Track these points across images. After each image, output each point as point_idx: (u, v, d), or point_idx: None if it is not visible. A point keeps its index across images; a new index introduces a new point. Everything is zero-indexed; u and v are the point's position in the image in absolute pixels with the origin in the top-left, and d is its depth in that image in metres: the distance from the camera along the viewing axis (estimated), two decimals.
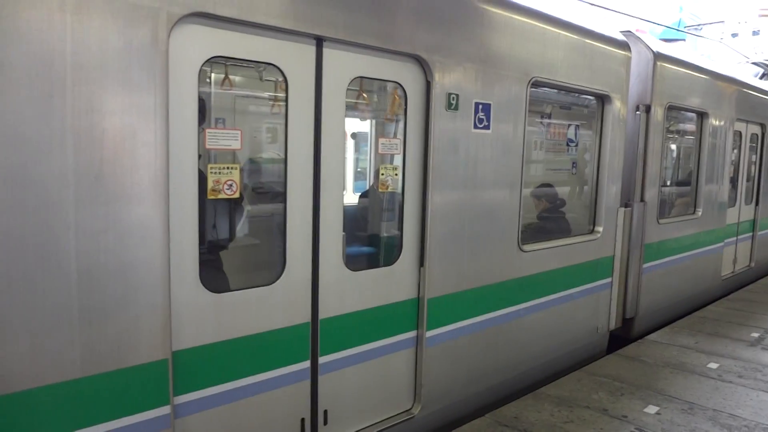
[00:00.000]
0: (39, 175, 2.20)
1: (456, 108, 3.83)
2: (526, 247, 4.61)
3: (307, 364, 3.27)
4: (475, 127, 4.00)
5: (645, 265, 6.29)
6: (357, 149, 5.39)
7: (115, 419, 2.49)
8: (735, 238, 8.70)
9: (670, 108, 6.49)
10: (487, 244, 4.25)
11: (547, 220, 5.41)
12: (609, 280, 5.71)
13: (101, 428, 2.46)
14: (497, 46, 4.09)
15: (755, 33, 47.72)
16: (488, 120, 4.09)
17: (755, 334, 6.18)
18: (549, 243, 4.92)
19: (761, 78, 12.70)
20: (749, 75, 10.45)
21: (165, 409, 2.63)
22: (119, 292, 2.45)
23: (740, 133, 8.39)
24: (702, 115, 7.21)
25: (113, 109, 2.35)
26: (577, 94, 5.33)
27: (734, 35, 46.09)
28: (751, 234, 9.28)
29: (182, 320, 2.73)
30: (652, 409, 4.31)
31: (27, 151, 2.17)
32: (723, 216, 8.05)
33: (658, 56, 6.16)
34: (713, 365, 5.24)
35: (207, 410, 2.87)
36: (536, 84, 4.52)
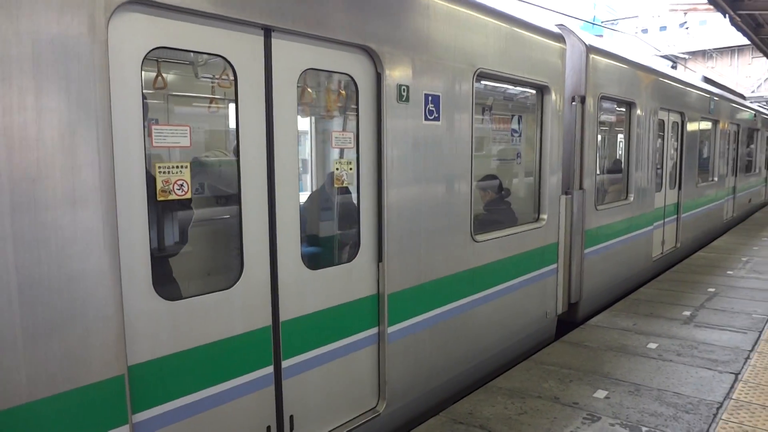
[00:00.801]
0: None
1: (407, 100, 3.78)
2: (479, 237, 4.61)
3: (270, 369, 3.14)
4: (426, 119, 3.97)
5: (586, 251, 6.49)
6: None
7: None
8: (662, 221, 9.11)
9: (602, 98, 6.68)
10: (442, 236, 4.22)
11: (494, 211, 5.44)
12: (555, 266, 5.85)
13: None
14: (444, 37, 4.08)
15: (662, 29, 50.59)
16: (438, 111, 4.07)
17: (687, 313, 6.42)
18: (499, 232, 4.95)
19: (672, 68, 13.86)
20: (663, 65, 11.18)
21: (124, 429, 2.44)
22: (66, 305, 2.23)
23: (663, 121, 8.77)
24: (630, 105, 7.49)
25: (49, 105, 2.14)
26: (517, 86, 5.38)
27: (644, 31, 48.66)
28: (675, 216, 9.74)
29: (136, 332, 2.53)
30: (601, 394, 4.35)
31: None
32: (651, 200, 8.40)
33: (591, 49, 6.33)
34: (653, 345, 5.38)
35: (168, 426, 2.69)
36: (481, 75, 4.54)
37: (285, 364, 3.22)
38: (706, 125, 11.14)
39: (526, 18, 5.16)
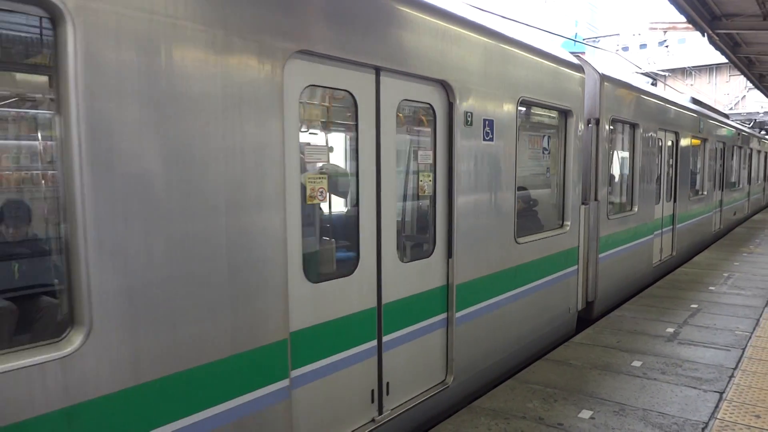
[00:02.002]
0: (203, 186, 2.65)
1: (471, 124, 4.53)
2: (520, 240, 5.36)
3: (374, 343, 3.85)
4: (484, 139, 4.73)
5: (600, 255, 7.26)
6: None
7: (250, 392, 2.93)
8: (660, 231, 9.92)
9: (613, 121, 7.52)
10: (494, 238, 4.98)
11: (523, 219, 5.90)
12: (576, 267, 6.62)
13: (240, 400, 2.88)
14: (497, 72, 4.88)
15: (643, 47, 51.50)
16: (492, 133, 4.83)
17: (670, 329, 6.40)
18: (535, 236, 5.72)
19: (652, 85, 14.32)
20: (644, 83, 11.43)
21: (285, 382, 3.12)
22: (256, 283, 2.91)
23: (660, 140, 9.56)
24: (634, 126, 8.33)
25: (248, 130, 2.84)
26: (547, 110, 6.18)
27: (625, 48, 49.47)
28: (671, 227, 10.57)
29: (293, 306, 3.21)
30: (585, 414, 4.28)
31: (194, 167, 2.60)
32: (652, 211, 9.25)
33: (603, 77, 7.14)
34: (637, 363, 5.34)
35: (311, 383, 3.39)
36: (522, 102, 5.28)
37: (385, 339, 3.93)
38: (696, 143, 12.07)
39: (554, 52, 5.99)
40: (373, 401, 3.85)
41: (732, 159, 16.44)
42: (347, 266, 3.68)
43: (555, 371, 5.15)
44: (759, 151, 21.91)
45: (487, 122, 4.74)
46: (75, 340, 2.22)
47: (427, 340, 4.31)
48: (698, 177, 12.60)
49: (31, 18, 2.28)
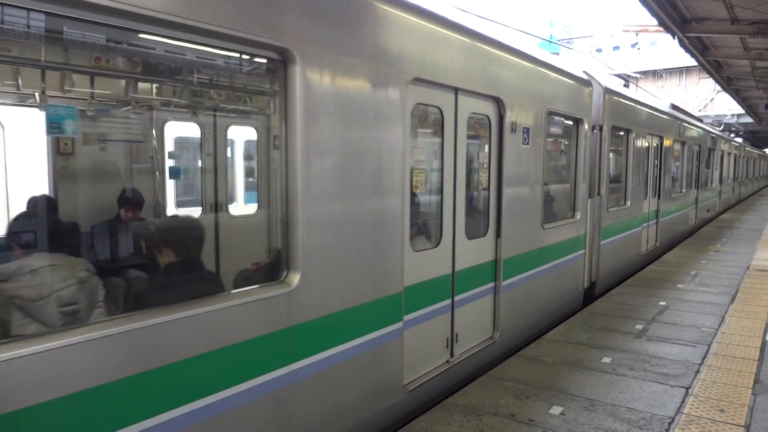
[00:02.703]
0: (362, 176, 3.73)
1: (515, 131, 5.64)
2: (545, 226, 6.47)
3: (449, 301, 4.91)
4: (523, 143, 5.84)
5: (602, 242, 8.47)
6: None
7: (381, 329, 3.97)
8: (647, 224, 11.22)
9: (613, 128, 8.70)
10: (528, 223, 6.09)
11: (546, 208, 6.79)
12: (583, 251, 7.79)
13: (373, 335, 3.90)
14: (532, 89, 6.05)
15: (615, 48, 52.31)
16: (528, 138, 5.94)
17: (639, 326, 6.53)
18: (555, 223, 6.85)
19: (625, 87, 14.87)
20: (616, 84, 11.74)
21: (399, 324, 4.15)
22: (387, 249, 3.99)
23: (648, 143, 10.77)
24: (628, 131, 9.52)
25: (384, 136, 3.90)
26: (565, 119, 7.32)
27: (599, 50, 50.19)
28: (656, 220, 11.87)
29: (405, 268, 4.22)
30: (556, 410, 4.34)
31: (359, 162, 3.70)
32: (641, 206, 10.60)
33: (606, 90, 8.33)
34: (607, 359, 5.43)
35: (413, 327, 4.40)
36: (549, 113, 6.42)
37: (456, 298, 4.98)
38: (677, 146, 13.40)
39: (571, 70, 7.23)
40: (447, 347, 4.94)
41: (706, 160, 17.54)
42: (434, 241, 4.79)
43: (527, 368, 5.21)
44: (729, 153, 23.30)
45: (525, 129, 5.85)
46: (293, 281, 3.28)
47: (482, 302, 5.43)
48: (677, 177, 13.86)
49: (270, 61, 3.32)
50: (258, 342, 3.09)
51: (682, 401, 4.50)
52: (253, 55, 3.32)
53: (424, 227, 4.87)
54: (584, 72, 7.93)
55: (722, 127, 29.97)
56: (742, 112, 34.12)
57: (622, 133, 9.37)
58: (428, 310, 4.63)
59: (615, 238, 9.05)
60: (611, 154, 8.97)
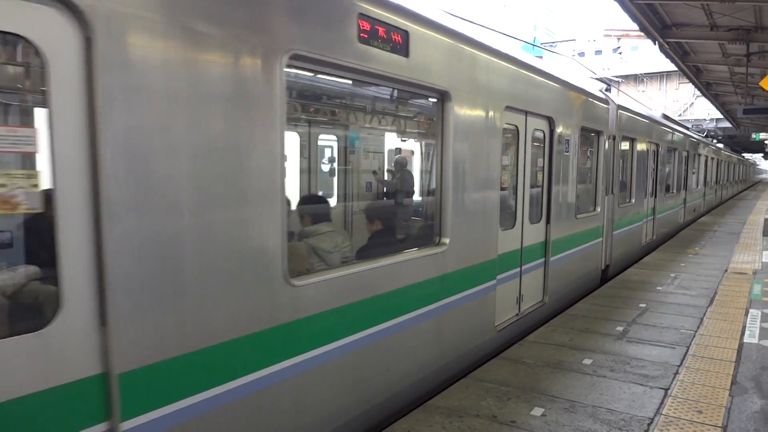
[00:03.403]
0: (481, 174, 5.46)
1: (560, 142, 7.25)
2: (578, 216, 8.16)
3: (518, 270, 6.43)
4: (565, 152, 7.46)
5: (615, 232, 10.24)
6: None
7: (484, 283, 5.58)
8: (646, 219, 12.97)
9: (623, 138, 10.47)
10: (566, 213, 7.65)
11: (577, 203, 8.41)
12: (601, 239, 9.42)
13: (483, 286, 5.53)
14: (570, 109, 7.60)
15: (598, 53, 52.90)
16: (569, 148, 7.61)
17: (620, 328, 6.59)
18: (583, 215, 8.45)
19: (606, 91, 15.44)
20: (597, 88, 11.96)
21: (494, 282, 5.76)
22: (489, 226, 5.63)
23: (647, 149, 12.38)
24: (632, 140, 11.28)
25: (491, 148, 5.57)
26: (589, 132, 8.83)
27: (581, 54, 50.74)
28: (653, 216, 13.64)
29: (498, 241, 5.83)
30: (537, 411, 4.35)
31: (472, 168, 5.22)
32: (642, 204, 12.38)
33: (619, 107, 10.08)
34: (587, 361, 5.47)
35: (499, 285, 5.92)
36: (582, 128, 8.04)
37: (523, 267, 6.52)
38: (669, 151, 15.20)
39: (594, 91, 8.91)
40: (516, 303, 6.46)
41: (692, 164, 19.02)
42: (511, 223, 6.28)
43: (509, 369, 5.23)
44: (712, 158, 24.94)
45: (567, 140, 7.45)
46: (445, 243, 4.85)
47: (537, 273, 6.95)
48: (668, 179, 15.53)
49: (432, 99, 4.88)
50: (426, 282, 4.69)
51: (661, 402, 4.54)
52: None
53: (505, 212, 6.18)
54: (600, 91, 9.68)
55: (705, 133, 30.56)
56: (721, 116, 34.70)
57: (628, 141, 11.10)
58: (508, 274, 6.17)
59: (623, 229, 10.91)
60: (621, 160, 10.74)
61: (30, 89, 3.15)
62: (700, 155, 20.55)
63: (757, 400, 4.60)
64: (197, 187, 2.76)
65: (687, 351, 5.79)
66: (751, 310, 7.39)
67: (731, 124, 35.15)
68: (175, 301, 2.69)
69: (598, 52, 52.21)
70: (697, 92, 28.70)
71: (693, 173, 19.33)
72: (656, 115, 14.76)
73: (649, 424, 4.16)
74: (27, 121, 3.39)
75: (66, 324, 2.31)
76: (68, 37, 2.27)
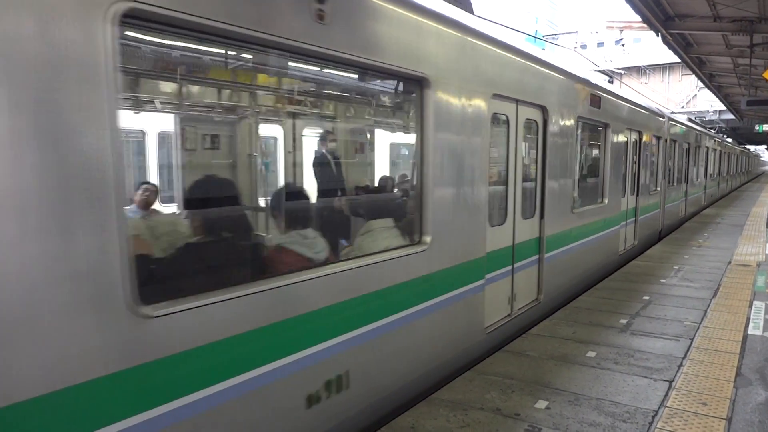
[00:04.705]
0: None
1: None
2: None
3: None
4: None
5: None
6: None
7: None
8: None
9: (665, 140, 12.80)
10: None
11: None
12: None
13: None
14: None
15: (600, 45, 52.64)
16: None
17: (623, 321, 6.58)
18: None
19: (609, 83, 15.77)
20: (601, 80, 11.94)
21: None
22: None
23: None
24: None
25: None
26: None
27: (583, 46, 50.47)
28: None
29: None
30: (542, 404, 4.36)
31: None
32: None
33: (669, 118, 12.64)
34: (591, 354, 5.47)
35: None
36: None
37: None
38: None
39: (655, 107, 10.55)
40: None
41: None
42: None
43: (513, 362, 5.23)
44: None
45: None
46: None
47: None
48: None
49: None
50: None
51: (666, 395, 4.54)
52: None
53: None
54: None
55: (715, 128, 30.59)
56: (724, 108, 34.55)
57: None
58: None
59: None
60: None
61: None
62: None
63: (762, 392, 4.60)
64: None
65: (691, 343, 5.78)
66: (755, 302, 7.38)
67: (734, 115, 35.00)
68: None
69: (601, 44, 51.96)
70: (700, 84, 28.56)
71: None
72: (667, 112, 15.03)
73: (653, 417, 4.16)
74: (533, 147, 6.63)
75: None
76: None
